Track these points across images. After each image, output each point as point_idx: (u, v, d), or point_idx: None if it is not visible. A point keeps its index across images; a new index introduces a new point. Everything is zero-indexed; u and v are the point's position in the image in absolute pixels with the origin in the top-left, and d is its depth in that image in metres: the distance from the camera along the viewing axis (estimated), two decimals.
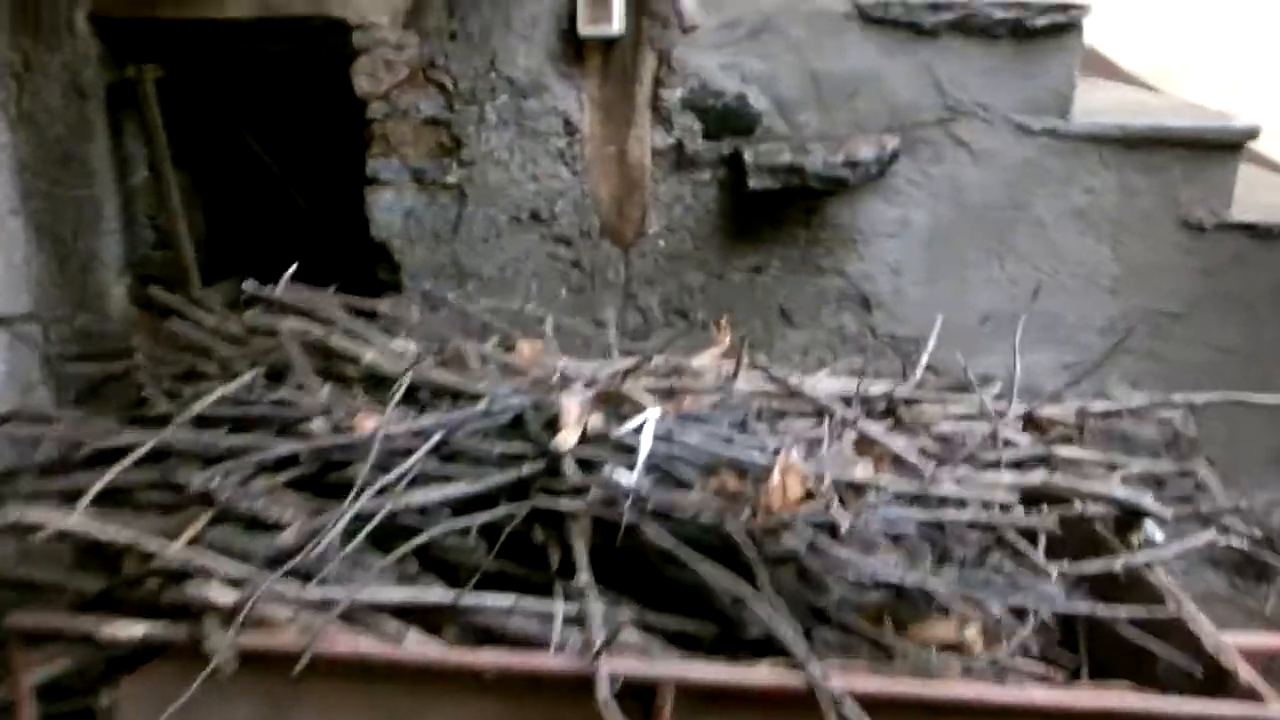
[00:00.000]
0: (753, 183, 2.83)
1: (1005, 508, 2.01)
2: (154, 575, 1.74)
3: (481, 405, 1.93)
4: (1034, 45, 2.88)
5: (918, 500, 1.92)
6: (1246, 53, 4.18)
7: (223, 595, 1.67)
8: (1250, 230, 3.06)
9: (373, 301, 2.59)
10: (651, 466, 1.86)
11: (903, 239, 3.03)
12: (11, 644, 1.70)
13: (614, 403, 1.96)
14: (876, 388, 2.38)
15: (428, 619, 1.79)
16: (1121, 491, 2.12)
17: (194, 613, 1.68)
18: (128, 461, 1.87)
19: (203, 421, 2.01)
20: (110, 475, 1.83)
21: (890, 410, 2.31)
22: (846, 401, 2.16)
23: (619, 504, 1.80)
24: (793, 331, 3.11)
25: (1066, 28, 2.86)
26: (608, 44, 2.84)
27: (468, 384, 2.04)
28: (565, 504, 1.82)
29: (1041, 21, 2.84)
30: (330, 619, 1.67)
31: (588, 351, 2.88)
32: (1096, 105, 3.32)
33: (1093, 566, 2.02)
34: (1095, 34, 3.99)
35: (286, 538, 1.75)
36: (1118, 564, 2.03)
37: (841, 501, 1.86)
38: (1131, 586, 2.01)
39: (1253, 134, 3.01)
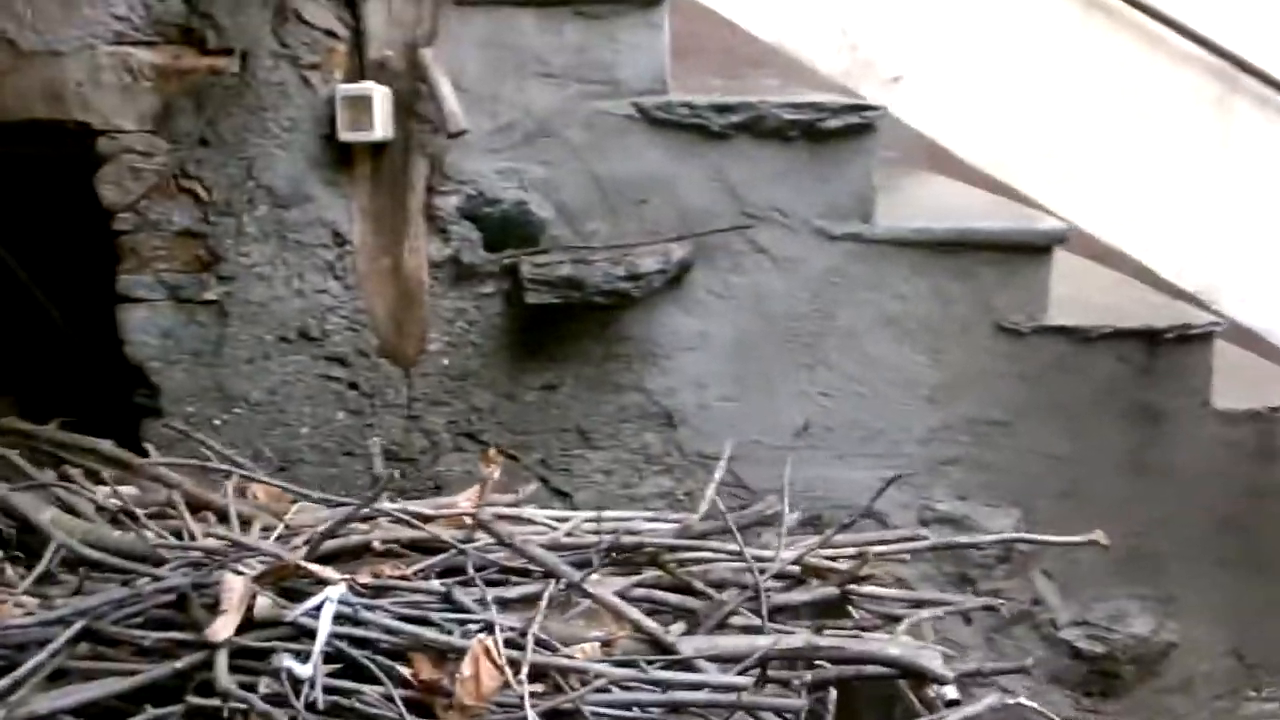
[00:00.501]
0: (530, 297, 2.63)
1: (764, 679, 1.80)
2: None
3: (138, 585, 1.67)
4: (829, 147, 2.75)
5: (651, 681, 1.70)
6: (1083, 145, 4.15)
7: None
8: (1068, 333, 2.94)
9: (95, 441, 2.32)
10: (334, 654, 1.62)
11: (705, 351, 2.85)
12: None
13: (292, 577, 1.71)
14: (647, 527, 2.17)
15: None
16: (898, 651, 1.92)
17: None
18: None
19: None
20: None
21: (654, 559, 2.10)
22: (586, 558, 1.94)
23: (291, 701, 1.55)
24: (593, 453, 2.89)
25: (861, 129, 2.74)
26: (376, 149, 2.65)
27: (137, 554, 1.77)
28: (226, 704, 1.56)
29: (835, 123, 2.72)
30: None
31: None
32: (925, 204, 3.22)
33: None
34: (938, 126, 3.98)
35: None
36: None
37: (557, 687, 1.63)
38: None
39: (1060, 238, 2.92)
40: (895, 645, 1.93)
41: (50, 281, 3.02)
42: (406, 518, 1.97)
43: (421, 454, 2.85)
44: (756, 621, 1.92)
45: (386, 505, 2.09)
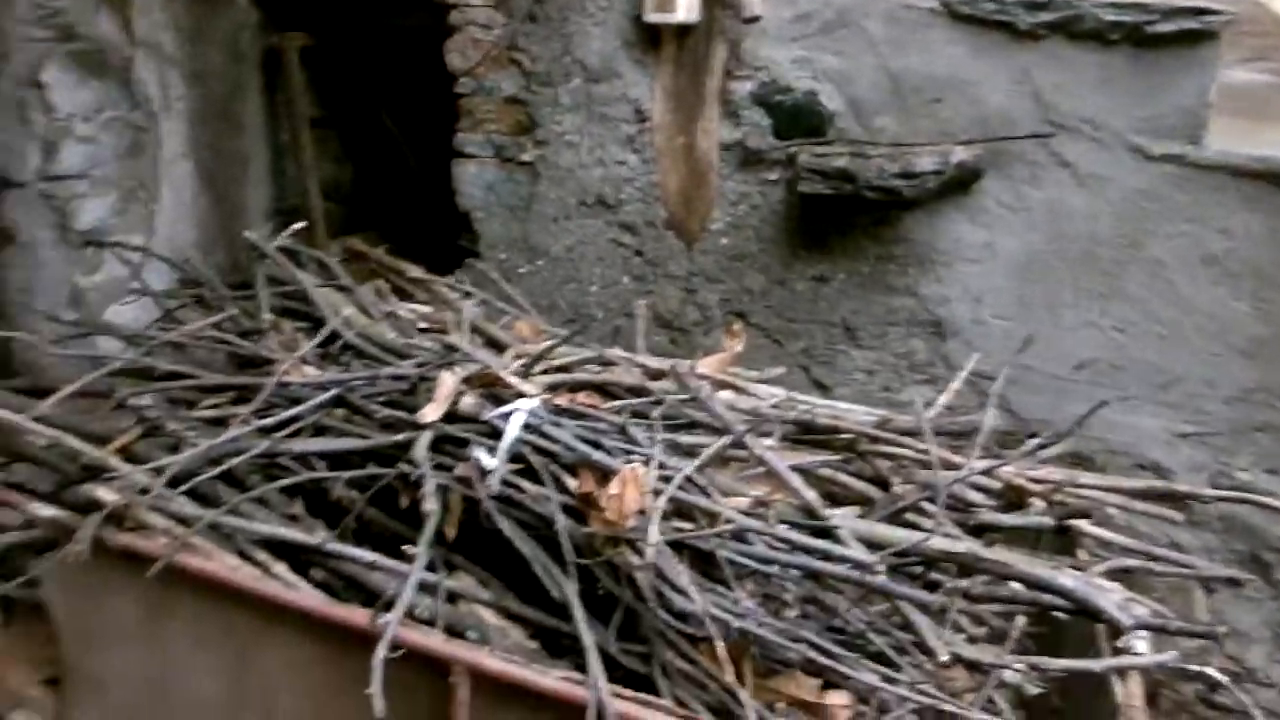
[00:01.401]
0: (803, 186, 2.68)
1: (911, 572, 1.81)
2: (89, 471, 1.99)
3: (383, 371, 2.01)
4: (1158, 55, 2.49)
5: (787, 542, 1.77)
6: None
7: (109, 495, 1.88)
8: None
9: (409, 266, 2.75)
10: (517, 455, 1.86)
11: (988, 265, 2.74)
12: None
13: (496, 386, 1.96)
14: (861, 420, 2.20)
15: (300, 560, 1.92)
16: (1070, 583, 1.82)
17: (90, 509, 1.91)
18: (102, 372, 2.15)
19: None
20: (80, 382, 2.11)
21: (850, 445, 2.13)
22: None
23: (475, 484, 1.82)
24: (857, 351, 2.91)
25: (1200, 36, 2.45)
26: (680, 32, 2.79)
27: (391, 349, 2.13)
28: (426, 476, 1.86)
29: (1166, 28, 2.45)
30: (189, 534, 1.83)
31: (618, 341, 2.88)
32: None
33: (1023, 662, 1.76)
34: None
35: (180, 458, 1.93)
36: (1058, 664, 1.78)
37: (689, 520, 1.77)
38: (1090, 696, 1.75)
39: None
40: (1069, 576, 1.82)
41: (409, 136, 3.53)
42: (614, 360, 2.16)
43: (694, 325, 3.03)
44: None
45: (613, 350, 2.30)
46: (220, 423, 2.09)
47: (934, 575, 1.89)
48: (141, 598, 1.95)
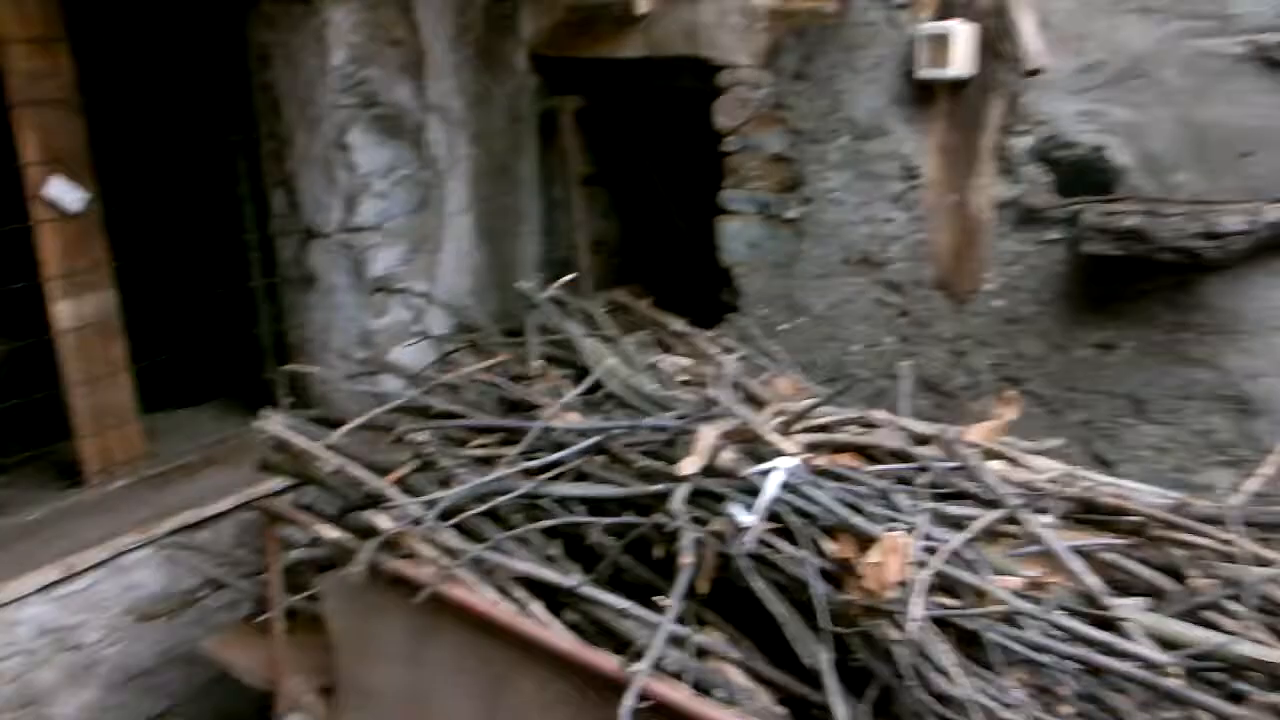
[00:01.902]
0: (1087, 246, 2.49)
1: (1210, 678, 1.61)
2: (370, 499, 2.13)
3: (643, 421, 2.04)
4: None
5: (1065, 630, 1.62)
6: None
7: (386, 524, 2.00)
8: None
9: (671, 318, 2.78)
10: (774, 514, 1.82)
11: None
12: (266, 522, 2.22)
13: (755, 442, 1.93)
14: (1152, 501, 2.01)
15: (555, 600, 1.97)
16: None
17: (368, 535, 2.04)
18: (385, 408, 2.30)
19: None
20: (367, 416, 2.27)
21: (1139, 530, 1.94)
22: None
23: (731, 541, 1.80)
24: (1146, 425, 2.67)
25: None
26: (953, 87, 2.70)
27: (652, 399, 2.15)
28: (682, 528, 1.86)
29: None
30: (455, 566, 1.91)
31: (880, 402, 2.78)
32: None
33: None
34: None
35: (450, 494, 2.03)
36: None
37: (954, 596, 1.66)
38: None
39: None
40: None
41: (675, 193, 3.60)
42: (876, 422, 2.07)
43: (961, 390, 2.89)
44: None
45: (877, 413, 2.22)
46: (488, 462, 2.18)
47: (1238, 685, 1.67)
48: (409, 620, 2.05)
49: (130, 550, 2.82)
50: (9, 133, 2.81)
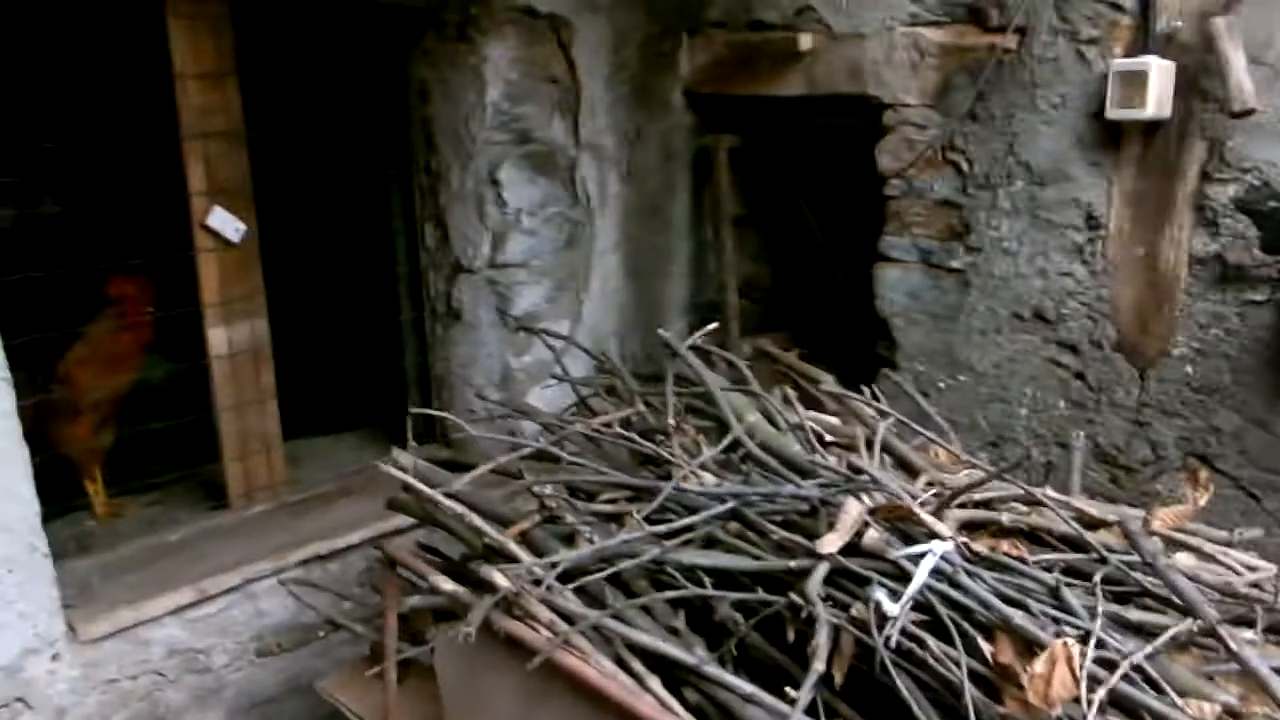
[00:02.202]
0: None
1: None
2: (489, 551, 2.04)
3: (784, 489, 1.87)
4: None
5: None
6: None
7: (503, 582, 1.89)
8: None
9: (819, 373, 2.60)
10: (923, 604, 1.63)
11: None
12: (384, 566, 2.15)
13: (905, 520, 1.74)
14: None
15: (675, 676, 1.82)
16: None
17: (484, 590, 1.94)
18: (513, 456, 2.21)
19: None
20: (492, 464, 2.18)
21: None
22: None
23: (871, 630, 1.62)
24: None
25: None
26: (1147, 129, 2.44)
27: (796, 463, 1.98)
28: (819, 612, 1.68)
29: None
30: (571, 633, 1.79)
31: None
32: None
33: None
34: None
35: (572, 555, 1.91)
36: None
37: (1131, 718, 1.42)
38: None
39: None
40: None
41: (831, 237, 3.42)
42: (1053, 504, 1.84)
43: (1142, 465, 2.60)
44: None
45: (1046, 491, 1.98)
46: (615, 519, 2.06)
47: None
48: (520, 682, 1.93)
49: (261, 578, 2.83)
50: (178, 163, 2.90)
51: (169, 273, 3.02)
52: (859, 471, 1.92)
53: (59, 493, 3.18)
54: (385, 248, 3.60)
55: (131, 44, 3.14)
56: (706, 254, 3.51)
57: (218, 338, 3.06)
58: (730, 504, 1.88)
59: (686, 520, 1.86)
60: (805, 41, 2.91)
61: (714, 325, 2.46)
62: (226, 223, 2.97)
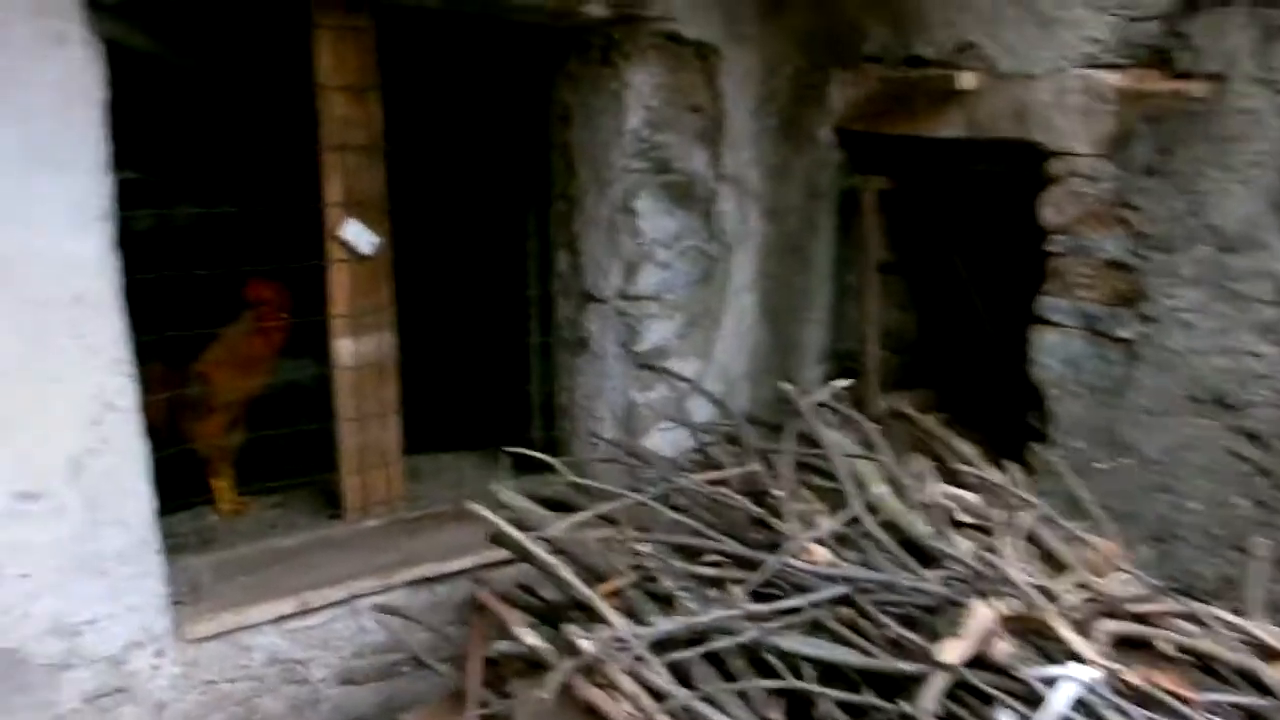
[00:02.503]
0: None
1: None
2: (576, 607, 1.92)
3: (905, 577, 1.67)
4: None
5: None
6: None
7: (587, 646, 1.77)
8: None
9: (960, 442, 2.38)
10: None
11: None
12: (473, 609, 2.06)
13: (1043, 633, 1.52)
14: None
15: None
16: None
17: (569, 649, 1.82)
18: (614, 506, 2.09)
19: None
20: (588, 513, 2.07)
21: None
22: None
23: None
24: None
25: None
26: None
27: (923, 547, 1.78)
28: None
29: None
30: (656, 711, 1.65)
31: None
32: None
33: None
34: None
35: (663, 624, 1.77)
36: None
37: None
38: None
39: None
40: None
41: (983, 291, 3.16)
42: (1228, 628, 1.59)
43: None
44: None
45: (1219, 611, 1.72)
46: (717, 584, 1.90)
47: None
48: None
49: (366, 595, 2.79)
50: (316, 173, 2.91)
51: (309, 281, 3.05)
52: (994, 567, 1.70)
53: (188, 486, 3.27)
54: (518, 271, 3.56)
55: (278, 54, 3.20)
56: (848, 299, 3.31)
57: (344, 349, 3.06)
58: (842, 588, 1.70)
59: (792, 602, 1.69)
60: (966, 80, 2.69)
61: (847, 382, 2.29)
62: (360, 235, 2.97)
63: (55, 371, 2.23)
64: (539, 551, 1.89)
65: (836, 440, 2.20)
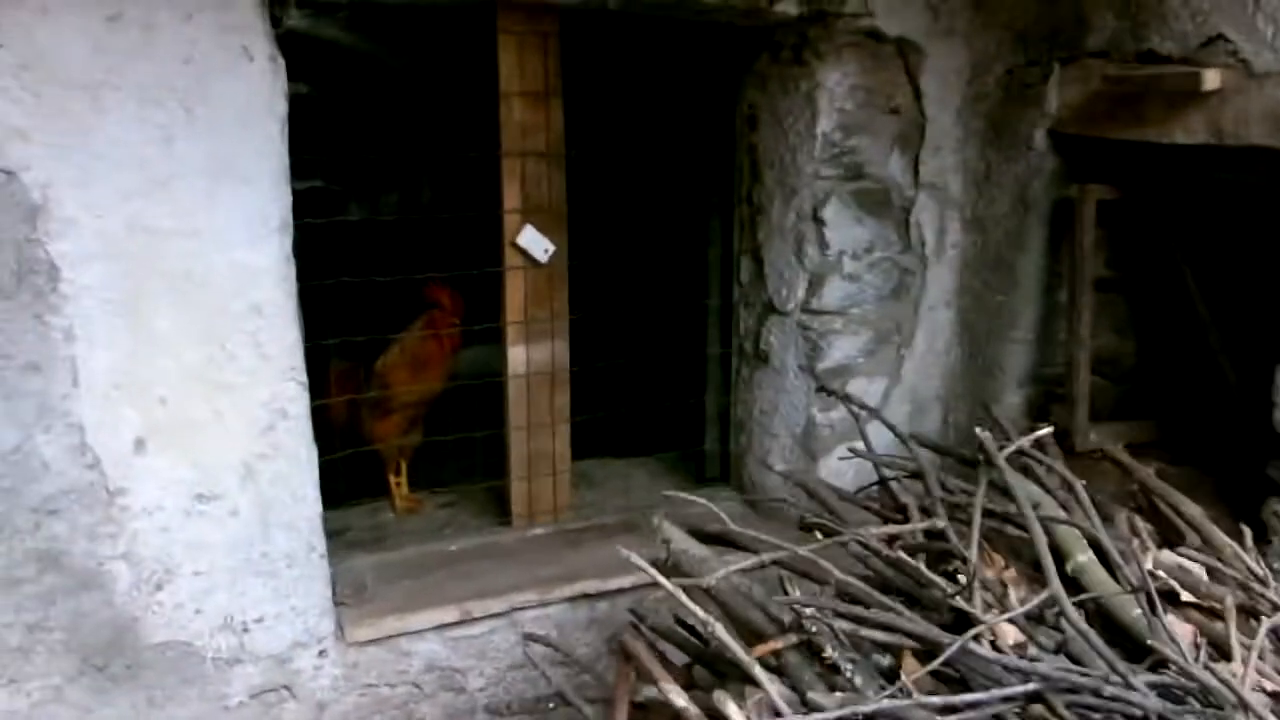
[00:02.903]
0: None
1: None
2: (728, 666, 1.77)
3: (1111, 679, 1.43)
4: None
5: None
6: None
7: (736, 715, 1.62)
8: None
9: (1182, 500, 2.07)
10: None
11: None
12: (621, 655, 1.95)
13: None
14: None
15: None
16: None
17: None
18: (776, 555, 1.92)
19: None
20: (750, 563, 1.90)
21: None
22: None
23: None
24: None
25: None
26: None
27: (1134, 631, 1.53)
28: None
29: None
30: None
31: None
32: None
33: None
34: None
35: (823, 702, 1.59)
36: None
37: None
38: None
39: None
40: None
41: (1218, 314, 2.76)
42: None
43: None
44: None
45: None
46: (890, 650, 1.71)
47: None
48: None
49: (526, 608, 2.75)
50: (495, 179, 2.87)
51: (485, 287, 3.02)
52: (1225, 683, 1.43)
53: (367, 484, 3.33)
54: (699, 279, 3.43)
55: (459, 60, 3.17)
56: (1057, 320, 2.98)
57: (516, 356, 3.02)
58: (1033, 685, 1.47)
59: (973, 696, 1.48)
60: (1211, 79, 2.32)
61: (1048, 430, 2.02)
62: (536, 242, 2.91)
63: (232, 380, 2.27)
64: (693, 607, 1.75)
65: (1034, 496, 1.94)
